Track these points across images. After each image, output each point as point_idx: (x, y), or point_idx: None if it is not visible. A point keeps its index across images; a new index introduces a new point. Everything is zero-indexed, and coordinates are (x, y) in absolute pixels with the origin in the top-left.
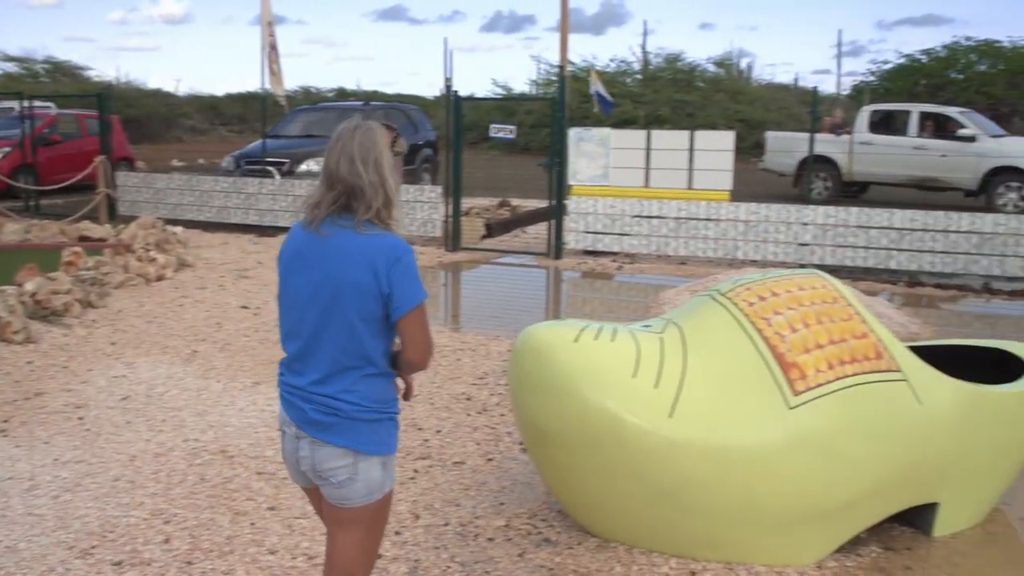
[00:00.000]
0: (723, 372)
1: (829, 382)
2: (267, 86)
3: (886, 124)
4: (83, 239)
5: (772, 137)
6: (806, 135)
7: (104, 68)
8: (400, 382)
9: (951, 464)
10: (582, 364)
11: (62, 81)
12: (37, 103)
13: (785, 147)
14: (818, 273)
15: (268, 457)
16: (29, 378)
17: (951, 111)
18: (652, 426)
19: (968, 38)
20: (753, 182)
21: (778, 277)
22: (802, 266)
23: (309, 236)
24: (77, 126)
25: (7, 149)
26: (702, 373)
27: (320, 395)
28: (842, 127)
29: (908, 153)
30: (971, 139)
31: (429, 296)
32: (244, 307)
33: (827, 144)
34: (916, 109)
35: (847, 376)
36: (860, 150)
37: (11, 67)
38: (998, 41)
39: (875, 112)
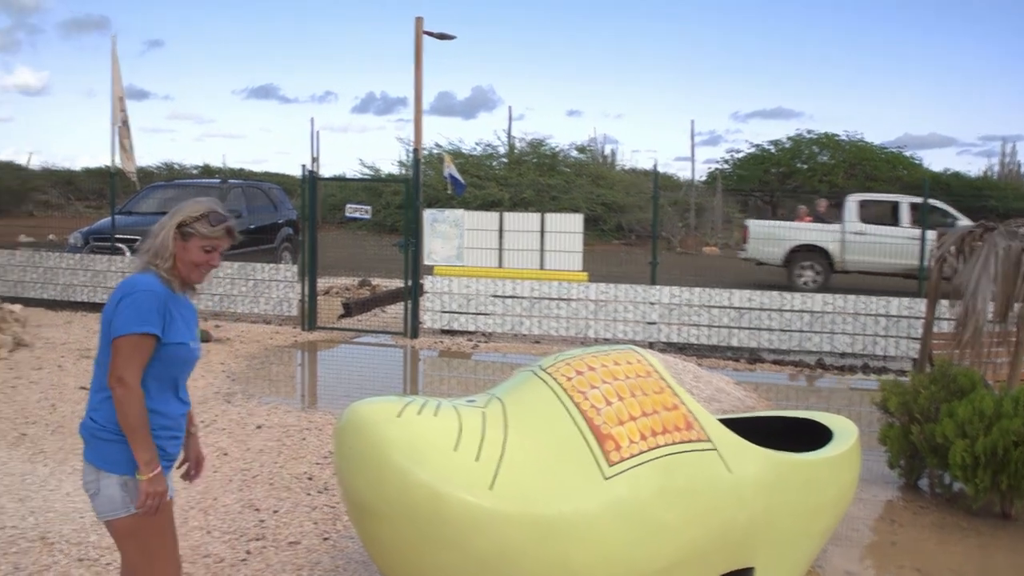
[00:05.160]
0: (542, 444)
1: (642, 452)
2: (118, 162)
3: (873, 213)
4: None
5: (755, 226)
6: (794, 224)
7: None
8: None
9: (763, 529)
10: (403, 438)
11: None
12: None
13: (769, 235)
14: (633, 349)
15: (92, 543)
16: None
17: (935, 203)
18: (472, 498)
19: (810, 131)
20: (613, 262)
21: (596, 352)
22: (650, 344)
23: None
24: None
25: None
26: (522, 445)
27: (86, 414)
28: (828, 216)
29: (902, 243)
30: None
31: (247, 369)
32: (83, 388)
33: (818, 233)
34: (905, 200)
35: (659, 447)
36: (852, 239)
37: None
38: (836, 135)
39: (863, 202)
